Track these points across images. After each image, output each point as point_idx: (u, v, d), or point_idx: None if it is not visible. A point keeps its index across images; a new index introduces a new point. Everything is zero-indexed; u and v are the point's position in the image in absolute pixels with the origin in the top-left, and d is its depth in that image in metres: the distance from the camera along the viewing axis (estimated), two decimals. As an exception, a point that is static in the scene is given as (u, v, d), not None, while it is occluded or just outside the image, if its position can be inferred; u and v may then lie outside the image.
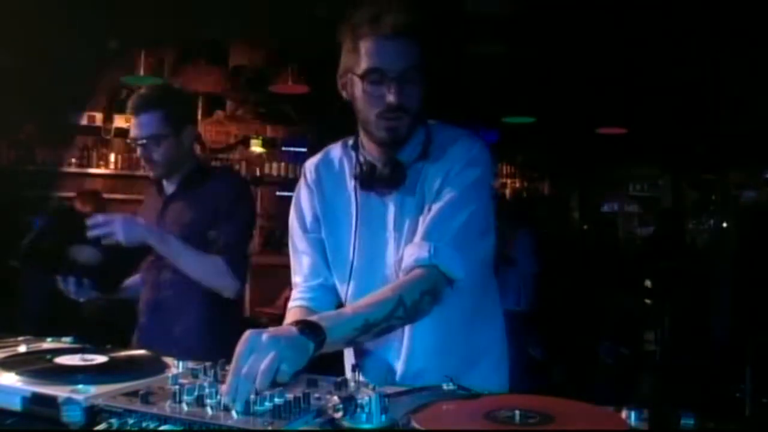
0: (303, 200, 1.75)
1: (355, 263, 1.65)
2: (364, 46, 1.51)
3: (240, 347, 1.15)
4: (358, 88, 1.54)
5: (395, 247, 1.61)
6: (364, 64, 1.51)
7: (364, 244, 1.64)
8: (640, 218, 10.98)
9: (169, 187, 2.47)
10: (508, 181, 10.72)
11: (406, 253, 1.52)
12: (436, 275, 1.47)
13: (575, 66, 5.92)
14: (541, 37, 5.14)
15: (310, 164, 1.78)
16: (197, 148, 2.61)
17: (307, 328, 1.23)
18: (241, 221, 2.39)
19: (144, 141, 2.34)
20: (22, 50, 4.84)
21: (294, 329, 1.22)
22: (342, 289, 1.68)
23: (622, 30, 4.91)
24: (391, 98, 1.50)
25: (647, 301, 7.63)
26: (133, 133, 2.38)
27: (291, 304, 1.71)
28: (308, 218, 1.73)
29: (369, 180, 1.61)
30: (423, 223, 1.54)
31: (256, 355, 1.13)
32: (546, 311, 6.09)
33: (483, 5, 4.44)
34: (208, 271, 2.29)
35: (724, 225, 7.66)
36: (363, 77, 1.52)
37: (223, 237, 2.32)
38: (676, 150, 9.53)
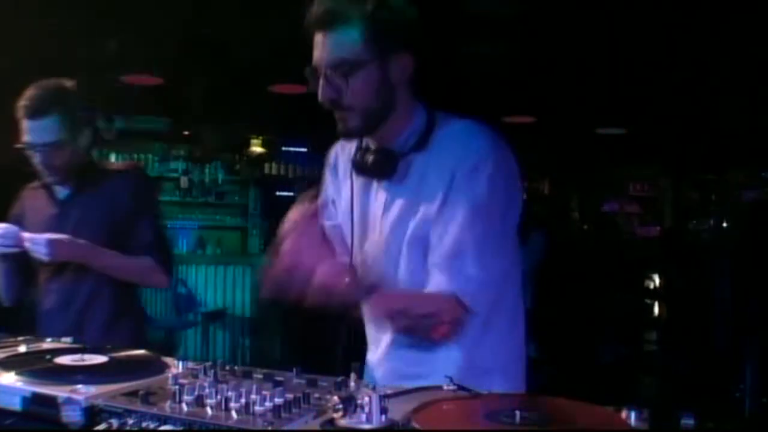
0: (324, 186, 1.76)
1: (354, 248, 1.65)
2: (313, 38, 1.47)
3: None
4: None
5: (381, 236, 1.58)
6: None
7: (358, 229, 1.64)
8: (640, 218, 10.99)
9: (61, 192, 2.35)
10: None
11: (431, 282, 1.48)
12: (461, 306, 1.46)
13: (575, 66, 5.92)
14: (541, 37, 5.14)
15: (333, 148, 1.76)
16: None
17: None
18: (153, 216, 2.36)
19: (43, 147, 2.20)
20: (21, 50, 4.85)
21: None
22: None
23: (622, 30, 4.92)
24: (319, 94, 1.46)
25: (647, 301, 7.63)
26: (28, 138, 2.21)
27: None
28: (325, 205, 1.73)
29: (360, 166, 1.58)
30: (442, 242, 1.48)
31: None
32: (546, 311, 6.09)
33: (483, 5, 4.44)
34: (141, 273, 2.31)
35: (724, 225, 7.66)
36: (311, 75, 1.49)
37: (142, 236, 2.29)
38: (676, 150, 9.54)
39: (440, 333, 1.49)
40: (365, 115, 1.47)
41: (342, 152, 1.71)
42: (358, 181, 1.64)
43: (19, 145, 2.22)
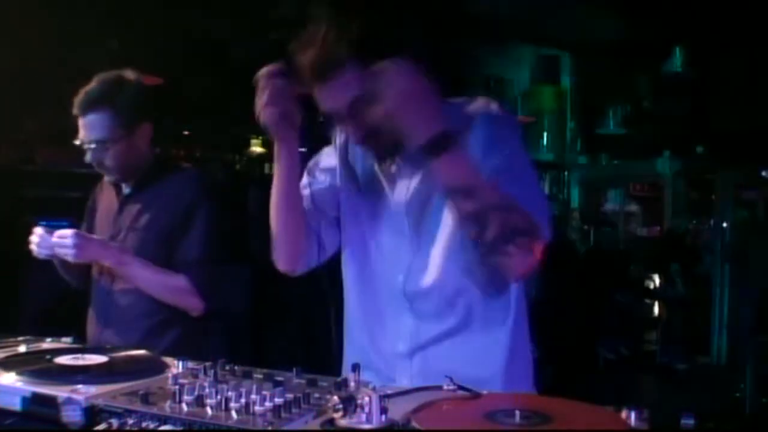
0: (326, 151, 1.74)
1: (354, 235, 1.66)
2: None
3: None
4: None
5: (406, 225, 1.56)
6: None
7: (374, 217, 1.62)
8: (640, 218, 10.97)
9: (126, 187, 2.24)
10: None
11: None
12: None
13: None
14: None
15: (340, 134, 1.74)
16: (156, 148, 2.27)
17: None
18: (202, 231, 2.12)
19: (93, 145, 2.09)
20: (21, 50, 4.85)
21: None
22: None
23: (622, 30, 4.92)
24: (352, 138, 1.54)
25: (647, 301, 7.63)
26: (81, 134, 2.10)
27: None
28: (312, 170, 1.71)
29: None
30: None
31: None
32: (545, 311, 6.09)
33: (483, 5, 4.44)
34: (170, 292, 2.11)
35: (724, 225, 7.65)
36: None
37: (182, 252, 2.11)
38: (677, 150, 9.52)
39: (525, 265, 1.42)
40: (398, 133, 1.40)
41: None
42: (368, 173, 1.63)
43: (76, 142, 2.12)
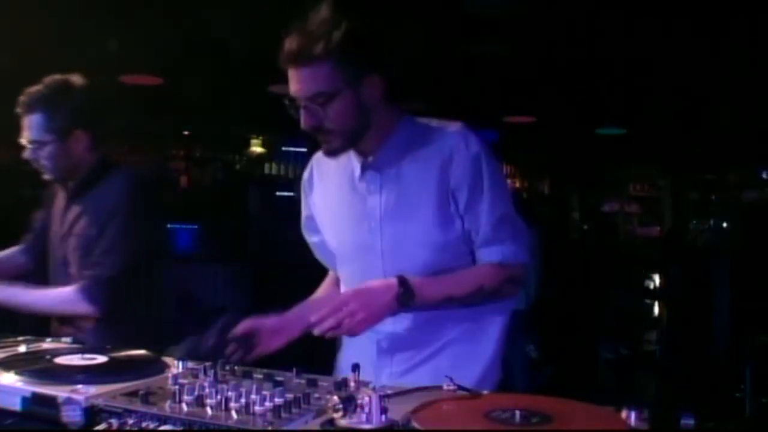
0: (302, 203, 1.86)
1: (345, 250, 1.75)
2: (288, 72, 1.58)
3: (339, 299, 1.41)
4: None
5: (380, 240, 1.66)
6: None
7: (351, 233, 1.71)
8: (640, 218, 10.99)
9: (69, 187, 2.27)
10: (508, 181, 10.72)
11: (479, 256, 1.64)
12: (505, 267, 1.62)
13: (575, 66, 5.92)
14: (541, 37, 5.14)
15: (309, 163, 1.86)
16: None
17: (404, 287, 1.48)
18: (116, 233, 2.11)
19: (30, 144, 2.16)
20: (21, 50, 4.84)
21: (394, 285, 1.48)
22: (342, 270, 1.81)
23: (622, 30, 4.91)
24: (302, 123, 1.58)
25: (647, 301, 7.63)
26: (22, 133, 2.18)
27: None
28: (304, 221, 1.86)
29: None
30: (480, 231, 1.62)
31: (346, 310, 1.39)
32: (546, 311, 6.08)
33: (483, 5, 4.44)
34: (62, 306, 2.13)
35: (724, 225, 7.66)
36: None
37: (94, 255, 2.11)
38: (676, 150, 9.53)
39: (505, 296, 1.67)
40: (346, 135, 1.61)
41: (318, 167, 1.81)
42: (347, 188, 1.71)
43: (23, 138, 2.18)
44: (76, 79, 2.21)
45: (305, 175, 1.84)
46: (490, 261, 1.62)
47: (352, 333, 1.44)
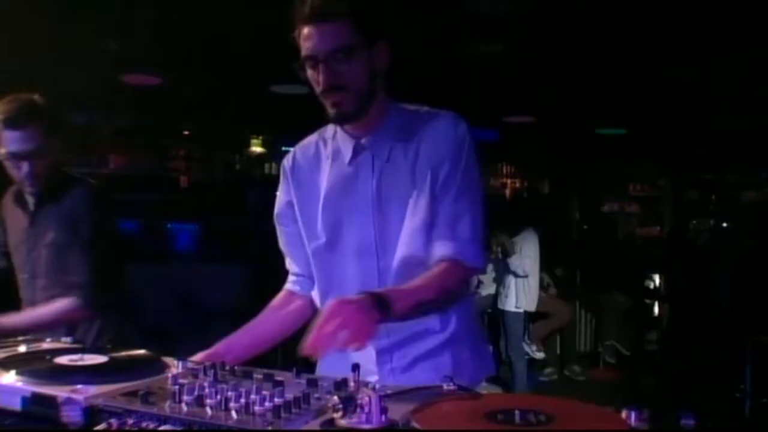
0: (279, 189, 1.83)
1: (326, 239, 1.71)
2: (300, 32, 1.58)
3: (327, 312, 1.27)
4: (306, 72, 1.61)
5: (372, 223, 1.65)
6: (302, 51, 1.58)
7: (338, 219, 1.69)
8: (640, 218, 10.99)
9: (31, 201, 2.35)
10: (508, 181, 10.72)
11: (434, 251, 1.60)
12: (463, 267, 1.59)
13: (575, 66, 5.92)
14: (540, 37, 5.14)
15: (290, 153, 1.85)
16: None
17: (378, 300, 1.37)
18: (100, 247, 2.28)
19: (25, 156, 2.22)
20: (21, 50, 4.85)
21: (368, 300, 1.36)
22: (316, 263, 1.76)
23: (622, 30, 4.91)
24: (321, 80, 1.57)
25: (647, 301, 7.63)
26: (10, 148, 2.22)
27: (285, 285, 1.86)
28: (281, 207, 1.81)
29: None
30: (438, 220, 1.61)
31: (340, 320, 1.26)
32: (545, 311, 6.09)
33: (483, 5, 4.43)
34: (63, 318, 2.25)
35: (724, 225, 7.66)
36: (303, 63, 1.59)
37: (81, 272, 2.25)
38: (676, 150, 9.53)
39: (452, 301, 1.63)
40: (360, 96, 1.60)
41: (303, 154, 1.79)
42: (335, 173, 1.70)
43: (2, 152, 2.23)
44: (35, 95, 2.30)
45: (287, 162, 1.82)
46: (448, 255, 1.58)
47: (358, 344, 1.29)
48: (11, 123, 2.21)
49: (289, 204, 1.78)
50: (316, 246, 1.72)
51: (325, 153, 1.73)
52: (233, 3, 4.40)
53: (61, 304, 2.25)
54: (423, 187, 1.62)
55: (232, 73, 6.05)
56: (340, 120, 1.64)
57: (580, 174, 10.58)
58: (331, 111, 1.61)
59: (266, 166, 8.69)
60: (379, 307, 1.35)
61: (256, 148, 8.66)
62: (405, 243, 1.62)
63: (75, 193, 2.32)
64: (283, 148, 8.73)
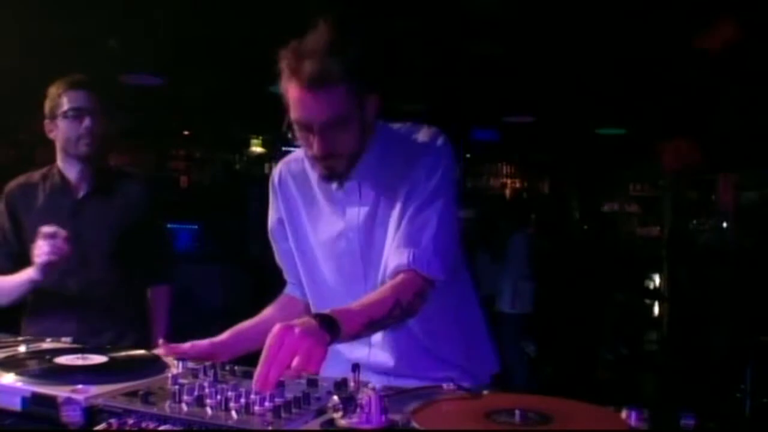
0: (270, 206, 1.82)
1: (321, 255, 1.71)
2: (291, 92, 1.52)
3: (271, 340, 1.19)
4: (295, 131, 1.56)
5: (359, 248, 1.64)
6: (292, 112, 1.53)
7: (323, 244, 1.69)
8: (640, 218, 10.98)
9: (80, 187, 2.43)
10: (508, 181, 10.72)
11: (388, 260, 1.56)
12: (419, 278, 1.51)
13: (575, 66, 5.92)
14: (541, 38, 5.14)
15: (278, 166, 1.82)
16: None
17: (325, 322, 1.28)
18: (165, 235, 2.64)
19: (89, 113, 2.36)
20: (21, 50, 4.85)
21: (314, 323, 1.26)
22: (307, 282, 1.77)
23: (622, 30, 4.91)
24: (315, 149, 1.54)
25: (647, 301, 7.63)
26: (73, 104, 2.36)
27: (285, 290, 1.88)
28: (274, 224, 1.81)
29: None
30: (399, 229, 1.57)
31: (287, 346, 1.18)
32: (546, 311, 6.09)
33: (483, 5, 4.43)
34: (162, 310, 2.62)
35: (724, 225, 7.65)
36: (292, 123, 1.54)
37: (157, 261, 2.55)
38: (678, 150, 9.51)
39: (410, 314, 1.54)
40: (351, 158, 1.59)
41: (289, 171, 1.77)
42: (321, 196, 1.69)
43: (64, 110, 2.35)
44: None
45: (275, 177, 1.79)
46: (403, 264, 1.51)
47: (308, 371, 1.21)
48: (75, 84, 2.39)
49: (280, 221, 1.78)
50: (305, 265, 1.74)
51: (312, 175, 1.70)
52: (233, 3, 4.40)
53: (158, 291, 2.59)
54: (400, 204, 1.59)
55: (232, 73, 6.05)
56: (331, 179, 1.62)
57: (580, 174, 10.57)
58: (323, 172, 1.60)
59: (266, 166, 8.69)
60: (328, 329, 1.27)
61: (256, 148, 8.66)
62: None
63: (131, 186, 2.49)
64: (283, 148, 8.73)
